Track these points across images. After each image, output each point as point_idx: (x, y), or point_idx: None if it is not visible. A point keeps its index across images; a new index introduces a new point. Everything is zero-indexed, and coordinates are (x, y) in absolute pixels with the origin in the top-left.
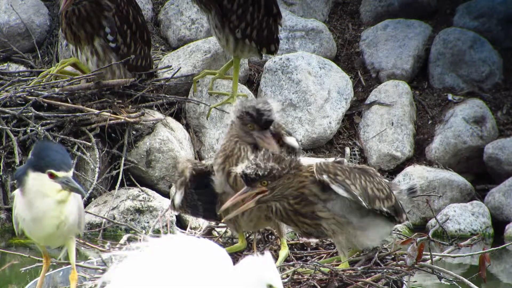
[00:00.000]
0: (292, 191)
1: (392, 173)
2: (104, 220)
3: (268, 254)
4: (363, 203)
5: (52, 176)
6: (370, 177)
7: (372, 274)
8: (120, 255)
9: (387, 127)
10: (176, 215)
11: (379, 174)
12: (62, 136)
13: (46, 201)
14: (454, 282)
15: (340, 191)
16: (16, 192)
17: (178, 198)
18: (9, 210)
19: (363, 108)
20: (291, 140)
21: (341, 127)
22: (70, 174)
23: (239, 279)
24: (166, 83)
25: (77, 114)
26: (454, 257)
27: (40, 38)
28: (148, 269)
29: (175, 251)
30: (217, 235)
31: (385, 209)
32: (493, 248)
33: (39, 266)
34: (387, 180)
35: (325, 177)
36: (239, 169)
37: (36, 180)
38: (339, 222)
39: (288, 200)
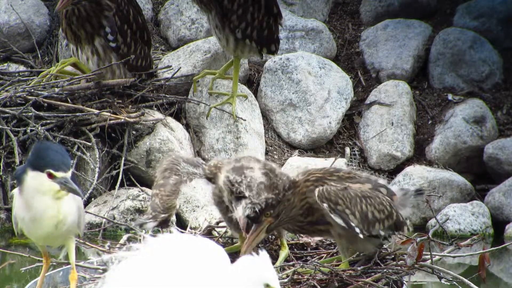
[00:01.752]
0: (297, 210)
1: (392, 173)
2: (104, 220)
3: (265, 253)
4: (360, 235)
5: (50, 176)
6: (371, 199)
7: (372, 274)
8: (120, 255)
9: (387, 127)
10: (176, 215)
11: (383, 191)
12: (62, 136)
13: (44, 200)
14: (454, 282)
15: (339, 221)
16: (15, 191)
17: (150, 226)
18: (9, 210)
19: (363, 108)
20: None
21: (341, 127)
22: (68, 174)
23: (237, 278)
24: (166, 83)
25: (77, 114)
26: (454, 257)
27: (40, 38)
28: (146, 268)
29: (173, 250)
30: (217, 235)
31: (383, 233)
32: (493, 248)
33: (39, 266)
34: (390, 190)
35: (325, 206)
36: (237, 213)
37: (34, 179)
38: (343, 229)
39: (298, 219)
